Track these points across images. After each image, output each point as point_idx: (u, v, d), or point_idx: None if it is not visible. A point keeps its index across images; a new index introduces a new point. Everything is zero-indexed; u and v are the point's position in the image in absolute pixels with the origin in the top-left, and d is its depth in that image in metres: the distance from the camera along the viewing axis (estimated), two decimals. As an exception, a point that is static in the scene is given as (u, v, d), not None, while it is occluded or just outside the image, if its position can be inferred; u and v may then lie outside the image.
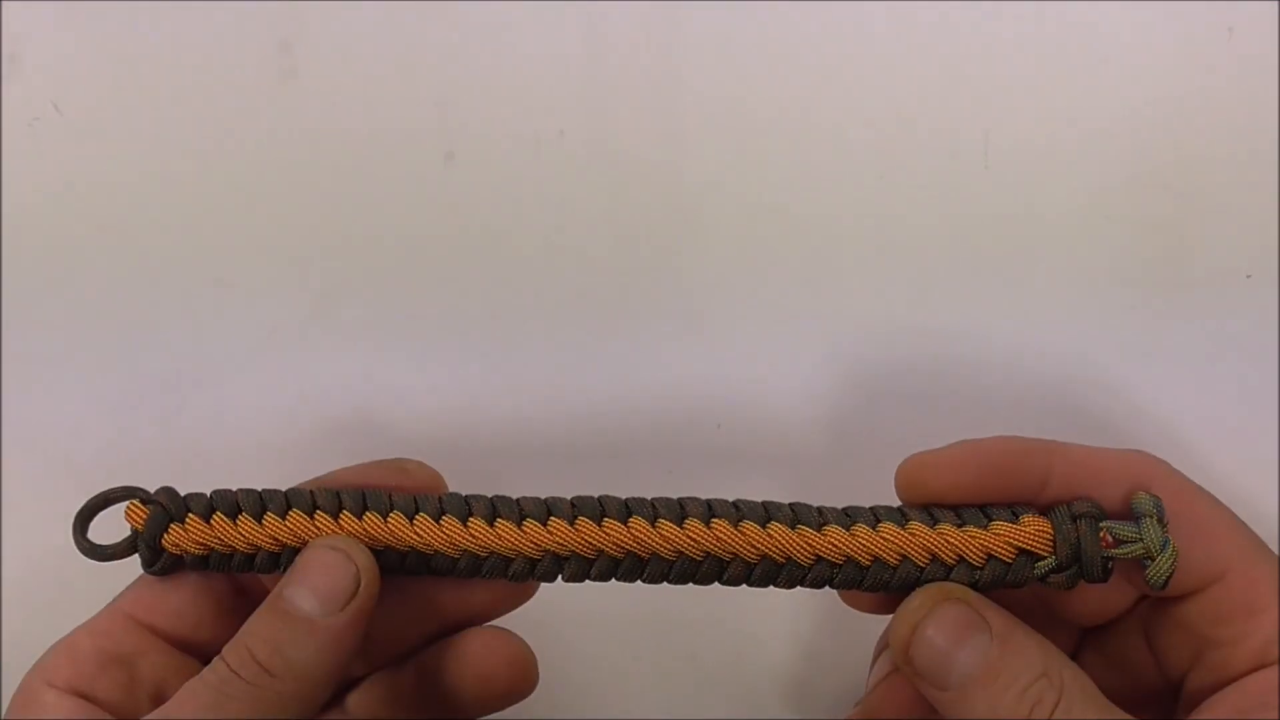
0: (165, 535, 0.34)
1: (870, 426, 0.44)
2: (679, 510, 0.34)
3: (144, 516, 0.34)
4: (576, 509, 0.34)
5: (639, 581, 0.34)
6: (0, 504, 0.45)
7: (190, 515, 0.34)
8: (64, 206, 0.45)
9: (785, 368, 0.44)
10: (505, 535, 0.34)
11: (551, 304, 0.45)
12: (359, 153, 0.45)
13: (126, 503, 0.34)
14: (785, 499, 0.34)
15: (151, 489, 0.35)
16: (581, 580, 0.34)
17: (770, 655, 0.45)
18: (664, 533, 0.33)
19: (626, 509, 0.34)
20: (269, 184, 0.45)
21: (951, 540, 0.33)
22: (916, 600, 0.32)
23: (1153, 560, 0.32)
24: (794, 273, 0.44)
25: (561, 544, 0.34)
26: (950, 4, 0.44)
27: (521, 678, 0.37)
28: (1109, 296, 0.44)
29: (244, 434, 0.45)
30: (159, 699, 0.34)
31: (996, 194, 0.44)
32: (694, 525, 0.33)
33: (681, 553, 0.34)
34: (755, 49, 0.44)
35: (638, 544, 0.34)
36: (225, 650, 0.32)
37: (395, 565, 0.34)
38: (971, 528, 0.33)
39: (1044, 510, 0.33)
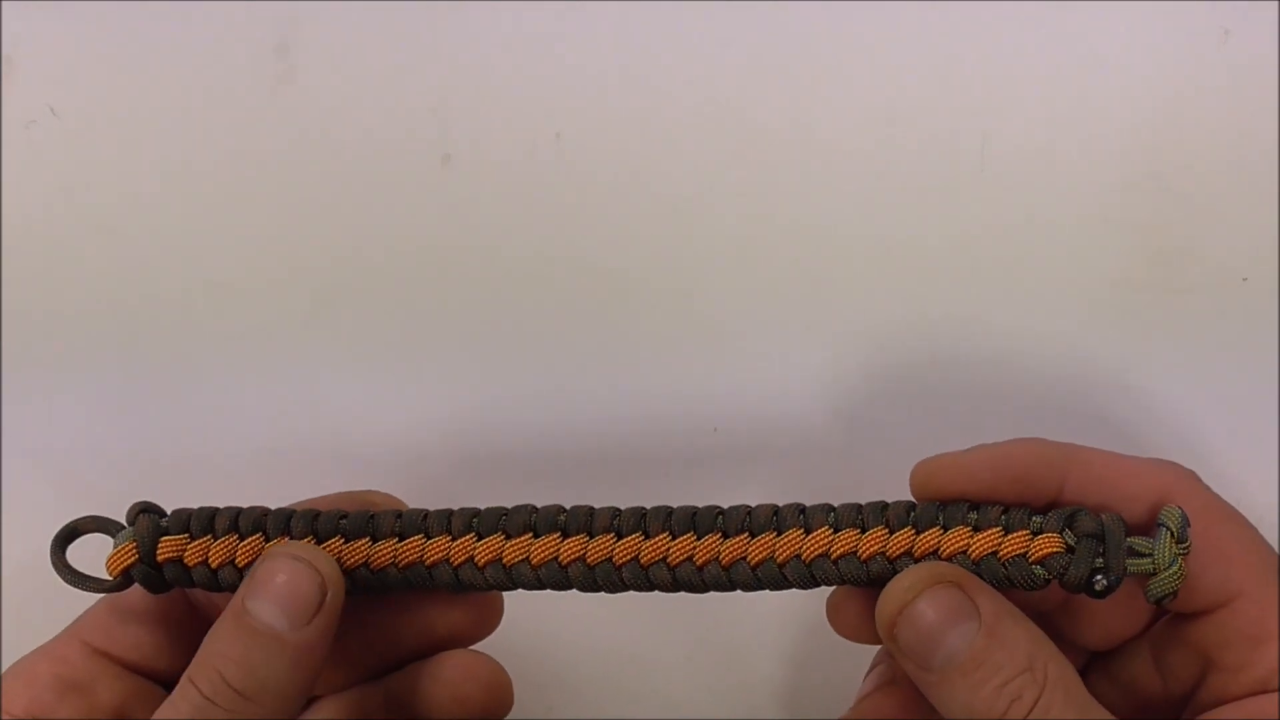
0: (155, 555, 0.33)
1: (867, 431, 0.44)
2: (713, 521, 0.33)
3: (133, 559, 0.33)
4: (568, 521, 0.34)
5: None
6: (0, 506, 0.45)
7: (166, 539, 0.33)
8: (60, 210, 0.45)
9: (782, 372, 0.44)
10: (489, 548, 0.34)
11: (548, 306, 0.45)
12: (356, 155, 0.45)
13: (115, 545, 0.34)
14: (782, 503, 0.34)
15: (147, 494, 0.35)
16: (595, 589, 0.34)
17: (764, 660, 0.45)
18: (699, 544, 0.33)
19: (694, 522, 0.33)
20: (266, 186, 0.45)
21: (972, 550, 0.32)
22: (907, 580, 0.31)
23: (1156, 575, 0.31)
24: (791, 277, 0.44)
25: (546, 557, 0.33)
26: (948, 7, 0.44)
27: (497, 702, 0.36)
28: (1105, 299, 0.44)
29: (238, 436, 0.45)
30: None
31: (994, 197, 0.44)
32: (714, 538, 0.33)
33: (707, 561, 0.33)
34: (753, 52, 0.44)
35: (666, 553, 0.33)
36: (192, 673, 0.31)
37: (372, 583, 0.34)
38: (991, 531, 0.32)
39: (1068, 518, 0.32)
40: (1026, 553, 0.32)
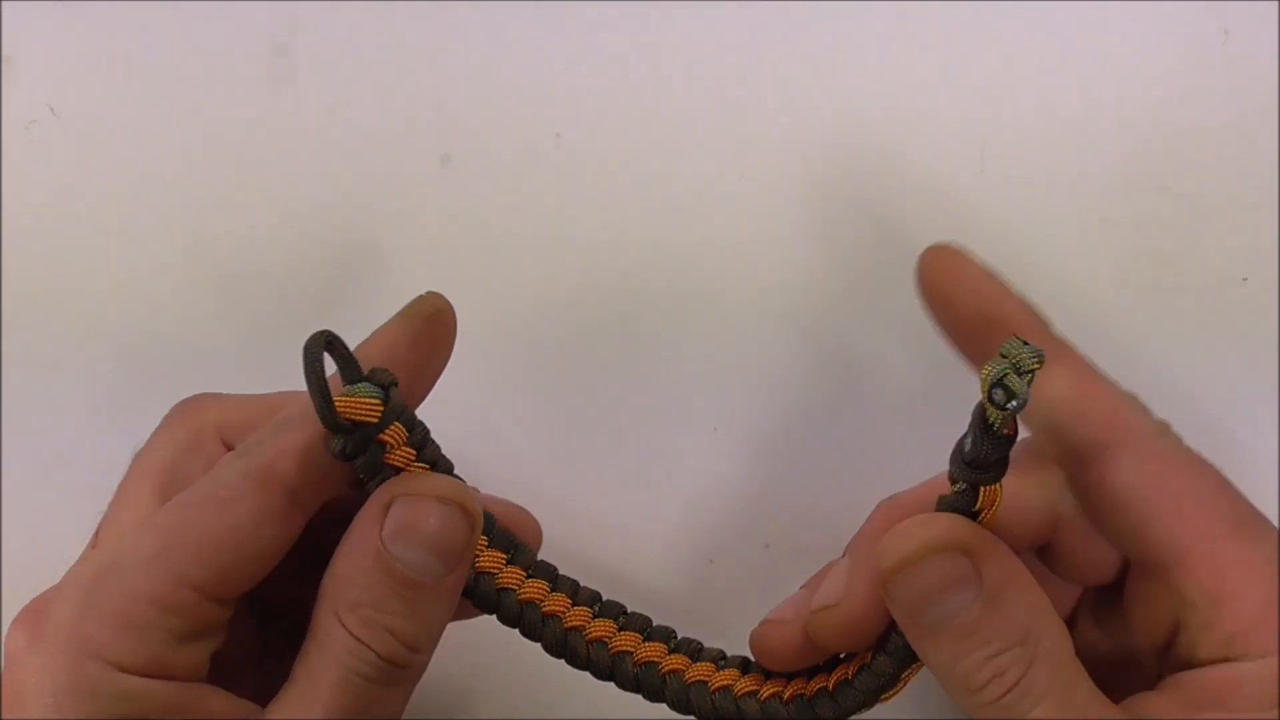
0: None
1: (865, 431, 0.44)
2: None
3: (373, 418, 0.31)
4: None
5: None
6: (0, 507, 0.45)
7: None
8: (60, 209, 0.45)
9: (782, 372, 0.44)
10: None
11: (547, 306, 0.45)
12: (356, 155, 0.45)
13: (351, 392, 0.31)
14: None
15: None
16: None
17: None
18: None
19: None
20: (266, 187, 0.45)
21: None
22: (913, 542, 0.29)
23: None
24: (791, 276, 0.44)
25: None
26: (947, 7, 0.44)
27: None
28: (1104, 300, 0.44)
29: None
30: (238, 667, 0.32)
31: (994, 197, 0.44)
32: None
33: None
34: (752, 52, 0.44)
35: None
36: (356, 629, 0.29)
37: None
38: None
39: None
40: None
